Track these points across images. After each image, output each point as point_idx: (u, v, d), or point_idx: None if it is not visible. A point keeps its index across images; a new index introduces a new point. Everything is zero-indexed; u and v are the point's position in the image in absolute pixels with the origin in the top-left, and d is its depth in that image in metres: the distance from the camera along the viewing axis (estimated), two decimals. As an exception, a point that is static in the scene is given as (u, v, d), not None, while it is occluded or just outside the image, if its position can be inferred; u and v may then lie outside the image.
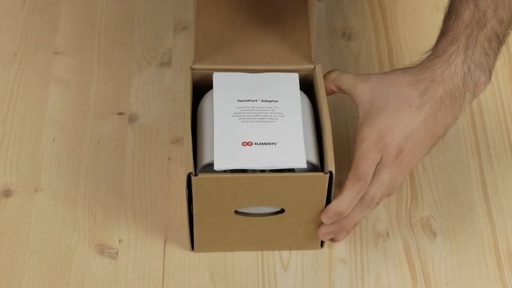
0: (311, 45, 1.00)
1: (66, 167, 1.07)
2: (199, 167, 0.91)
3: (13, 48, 1.18)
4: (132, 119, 1.11)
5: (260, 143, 0.92)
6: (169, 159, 1.08)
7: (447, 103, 0.93)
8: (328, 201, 0.93)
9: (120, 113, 1.12)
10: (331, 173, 0.90)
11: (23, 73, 1.15)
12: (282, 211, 0.94)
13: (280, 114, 0.95)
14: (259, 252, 1.00)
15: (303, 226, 0.96)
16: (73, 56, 1.17)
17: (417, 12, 1.23)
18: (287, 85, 0.96)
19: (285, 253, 1.00)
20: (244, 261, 1.00)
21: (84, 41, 1.19)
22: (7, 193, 1.05)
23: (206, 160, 0.91)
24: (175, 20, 1.21)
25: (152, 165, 1.07)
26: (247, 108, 0.95)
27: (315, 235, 0.98)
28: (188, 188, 0.91)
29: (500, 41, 0.95)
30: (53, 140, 1.09)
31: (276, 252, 1.00)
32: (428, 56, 0.96)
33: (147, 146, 1.09)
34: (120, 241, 1.01)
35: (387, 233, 1.02)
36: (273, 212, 0.95)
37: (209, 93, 0.98)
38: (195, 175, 0.90)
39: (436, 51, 0.95)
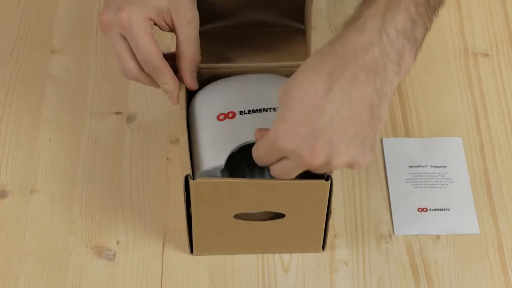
0: (308, 40, 0.99)
1: (63, 168, 1.06)
2: (198, 172, 0.90)
3: (9, 46, 1.17)
4: (130, 118, 1.11)
5: (434, 209, 1.02)
6: (167, 159, 1.07)
7: (361, 79, 0.79)
8: (329, 206, 0.92)
9: (118, 113, 1.11)
10: (331, 178, 0.89)
11: (19, 72, 1.15)
12: (282, 215, 0.93)
13: (450, 180, 1.03)
14: (259, 254, 1.00)
15: (303, 230, 0.95)
16: (70, 55, 1.17)
17: (419, 10, 1.22)
18: (452, 150, 1.06)
19: (286, 255, 0.99)
20: (244, 263, 0.99)
21: (81, 39, 1.18)
22: (2, 194, 1.04)
23: (205, 166, 0.90)
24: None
25: (150, 165, 1.06)
26: (419, 174, 1.04)
27: (316, 238, 0.97)
28: (186, 191, 0.90)
29: (431, 8, 0.82)
30: (49, 140, 1.08)
31: (277, 254, 1.00)
32: (343, 25, 0.82)
33: (145, 146, 1.08)
34: (117, 242, 1.00)
35: (390, 235, 1.01)
36: (273, 217, 0.94)
37: (200, 92, 0.97)
38: (193, 179, 0.88)
39: (350, 18, 0.82)
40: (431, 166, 1.06)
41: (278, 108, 0.88)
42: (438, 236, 1.01)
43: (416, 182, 1.04)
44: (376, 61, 0.79)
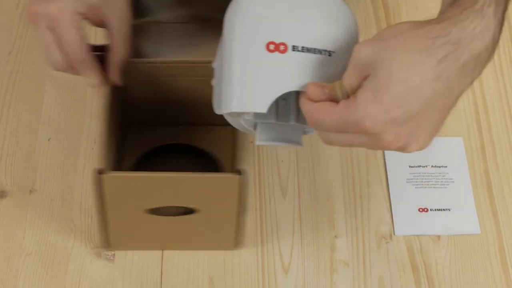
0: None
1: (62, 168, 1.06)
2: (234, 111, 0.79)
3: (8, 46, 1.16)
4: (129, 118, 1.10)
5: (435, 209, 1.01)
6: (167, 159, 1.06)
7: (469, 69, 0.74)
8: (241, 201, 0.91)
9: (117, 112, 1.10)
10: (242, 172, 0.88)
11: (18, 71, 1.14)
12: (194, 210, 0.93)
13: (451, 180, 1.04)
14: (259, 254, 0.99)
15: (216, 226, 0.95)
16: (70, 54, 1.16)
17: (421, 9, 1.22)
18: (453, 150, 1.05)
19: (286, 255, 0.99)
20: (244, 263, 0.99)
21: (80, 39, 1.17)
22: (2, 194, 1.04)
23: (242, 107, 0.78)
24: (173, 17, 1.20)
25: (150, 165, 1.06)
26: (419, 174, 1.04)
27: (229, 235, 0.96)
28: (97, 186, 0.89)
29: None
30: (48, 140, 1.08)
31: (277, 254, 0.99)
32: (453, 7, 0.75)
33: (145, 146, 1.07)
34: (117, 243, 1.00)
35: (390, 235, 1.01)
36: (186, 212, 0.93)
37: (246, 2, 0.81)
38: (104, 173, 0.88)
39: (463, 1, 0.75)
40: (432, 166, 1.05)
41: (334, 52, 0.79)
42: (438, 236, 1.01)
43: (416, 182, 1.04)
44: (487, 49, 0.75)
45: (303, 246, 1.00)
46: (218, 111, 0.81)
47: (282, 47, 0.78)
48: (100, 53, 0.92)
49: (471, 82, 0.76)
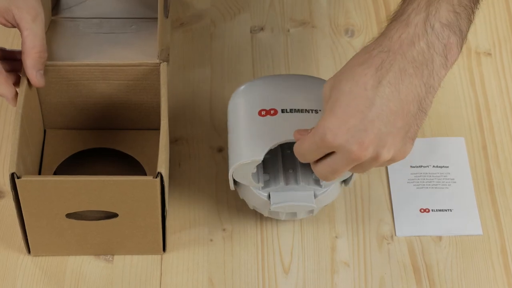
0: (158, 39, 0.98)
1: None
2: (235, 164, 0.91)
3: (6, 45, 1.15)
4: (128, 118, 1.10)
5: (436, 210, 1.01)
6: (166, 159, 1.06)
7: (410, 72, 0.81)
8: (163, 204, 0.91)
9: (116, 112, 1.10)
10: (161, 175, 0.88)
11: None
12: (115, 215, 0.92)
13: (452, 180, 1.03)
14: (259, 256, 0.99)
15: (140, 230, 0.94)
16: (68, 54, 1.15)
17: (421, 8, 1.21)
18: (454, 150, 1.05)
19: (286, 256, 0.99)
20: (244, 264, 0.98)
21: (79, 38, 1.17)
22: (0, 195, 1.03)
23: (243, 159, 0.91)
24: (172, 16, 1.19)
25: (149, 165, 1.05)
26: (421, 174, 1.03)
27: (155, 239, 0.95)
28: (14, 189, 0.88)
29: (473, 0, 0.85)
30: (47, 140, 1.07)
31: (277, 255, 0.98)
32: (387, 22, 0.85)
33: (144, 146, 1.07)
34: (116, 244, 0.99)
35: (391, 236, 1.00)
36: (107, 216, 0.92)
37: (244, 86, 0.97)
38: (18, 177, 0.87)
39: (394, 14, 0.84)
40: (433, 166, 1.05)
41: (320, 110, 0.91)
42: (440, 237, 1.00)
43: (418, 182, 1.03)
44: (423, 54, 0.81)
45: (304, 247, 0.99)
46: (230, 173, 0.93)
47: (272, 112, 0.93)
48: (12, 60, 0.92)
49: (426, 86, 0.82)
